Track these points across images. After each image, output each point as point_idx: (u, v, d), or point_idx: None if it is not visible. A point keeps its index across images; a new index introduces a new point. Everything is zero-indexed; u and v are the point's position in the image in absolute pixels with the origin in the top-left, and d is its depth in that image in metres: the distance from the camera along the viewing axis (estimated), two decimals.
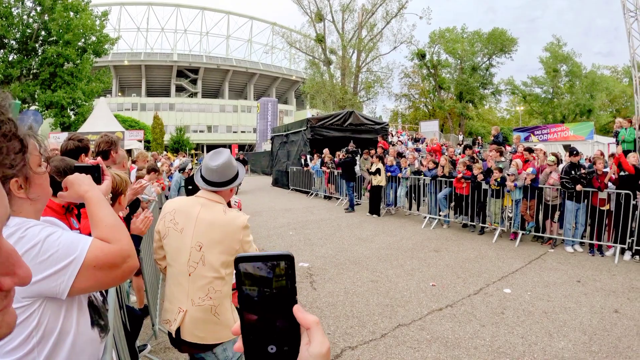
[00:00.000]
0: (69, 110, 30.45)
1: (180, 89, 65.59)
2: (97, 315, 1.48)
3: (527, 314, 5.28)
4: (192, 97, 65.50)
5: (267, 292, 0.69)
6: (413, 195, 12.33)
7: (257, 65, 69.37)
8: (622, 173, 8.16)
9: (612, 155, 9.54)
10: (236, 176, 2.63)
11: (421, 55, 48.11)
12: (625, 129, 11.57)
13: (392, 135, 27.24)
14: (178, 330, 2.44)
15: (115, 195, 2.86)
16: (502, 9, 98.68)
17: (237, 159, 9.24)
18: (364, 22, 37.40)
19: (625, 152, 9.96)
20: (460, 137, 32.93)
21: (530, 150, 10.41)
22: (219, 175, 2.53)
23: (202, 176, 2.57)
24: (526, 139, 26.10)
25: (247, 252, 2.28)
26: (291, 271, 0.70)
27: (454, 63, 49.47)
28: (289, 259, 0.70)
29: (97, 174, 1.75)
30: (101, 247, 1.35)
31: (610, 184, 8.33)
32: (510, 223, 9.44)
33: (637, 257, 7.90)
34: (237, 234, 2.45)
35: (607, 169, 8.59)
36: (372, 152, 14.04)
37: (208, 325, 2.43)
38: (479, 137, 27.29)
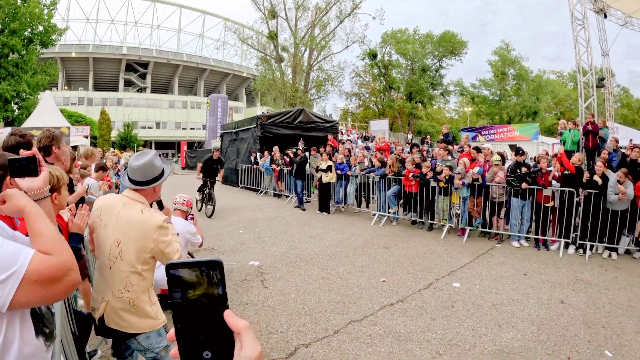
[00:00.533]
0: (12, 104, 28.67)
1: (128, 84, 63.20)
2: (40, 323, 1.40)
3: (477, 307, 5.38)
4: (141, 92, 63.29)
5: (198, 298, 0.68)
6: (362, 192, 12.39)
7: (208, 60, 68.00)
8: (565, 172, 8.50)
9: (555, 155, 9.88)
10: (160, 176, 2.71)
11: (373, 55, 48.68)
12: (569, 130, 12.03)
13: (342, 134, 27.37)
14: (102, 319, 2.59)
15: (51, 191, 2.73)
16: (454, 13, 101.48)
17: (210, 159, 10.24)
18: (317, 20, 37.49)
19: (570, 153, 10.37)
20: (409, 136, 33.42)
21: (478, 149, 10.65)
22: (140, 174, 2.63)
23: (128, 176, 2.67)
24: (474, 138, 26.83)
25: (164, 251, 2.54)
26: (221, 276, 0.69)
27: (404, 64, 50.42)
28: (218, 265, 0.68)
29: (32, 166, 1.62)
30: (42, 260, 1.27)
31: (554, 182, 8.69)
32: (458, 219, 9.64)
33: (581, 250, 8.23)
34: (151, 233, 2.53)
35: (551, 168, 8.93)
36: (322, 149, 14.03)
37: (128, 315, 2.56)
38: (428, 136, 27.79)
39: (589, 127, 11.79)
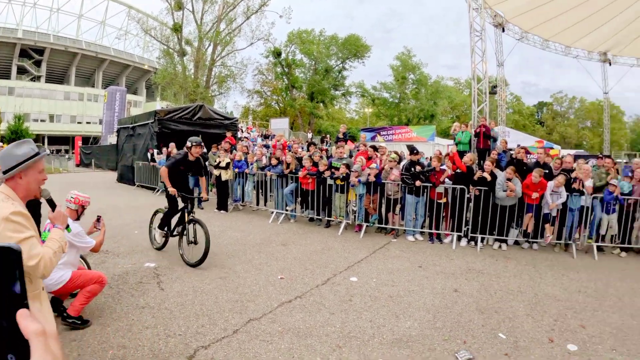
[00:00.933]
0: None
1: (22, 71, 57.84)
2: None
3: (374, 299, 5.52)
4: (34, 80, 58.36)
5: None
6: (260, 191, 12.32)
7: (109, 50, 64.21)
8: (457, 170, 9.07)
9: (447, 154, 10.43)
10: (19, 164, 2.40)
11: (277, 54, 48.61)
12: (462, 132, 12.75)
13: (242, 131, 27.11)
14: None
15: None
16: (361, 17, 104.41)
17: (183, 160, 7.26)
18: (224, 15, 36.91)
19: (462, 153, 11.00)
20: (309, 135, 33.75)
21: (375, 148, 10.98)
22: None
23: None
24: (372, 138, 27.65)
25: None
26: (14, 268, 0.56)
27: (308, 64, 51.10)
28: (14, 254, 0.56)
29: None
30: None
31: (447, 179, 9.20)
32: (355, 216, 9.84)
33: (473, 243, 8.85)
34: None
35: (444, 167, 9.43)
36: (221, 146, 13.79)
37: None
38: (327, 135, 28.22)
39: (482, 129, 12.59)
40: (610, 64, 29.86)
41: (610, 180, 8.86)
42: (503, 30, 24.71)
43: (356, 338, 4.41)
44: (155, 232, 7.78)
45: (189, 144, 7.49)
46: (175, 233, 7.42)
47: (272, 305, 5.19)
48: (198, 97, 33.93)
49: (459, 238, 9.07)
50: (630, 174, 9.17)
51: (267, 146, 20.01)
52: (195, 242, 6.89)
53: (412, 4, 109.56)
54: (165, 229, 7.49)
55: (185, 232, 7.00)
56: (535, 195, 8.50)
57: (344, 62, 51.06)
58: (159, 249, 7.66)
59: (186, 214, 7.00)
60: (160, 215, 7.64)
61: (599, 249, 8.90)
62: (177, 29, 35.91)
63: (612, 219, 8.87)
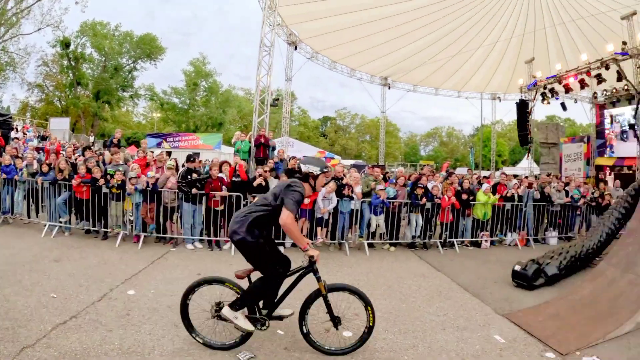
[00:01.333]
0: None
1: None
2: None
3: (152, 311, 5.60)
4: None
5: None
6: (32, 200, 11.20)
7: None
8: (235, 179, 9.63)
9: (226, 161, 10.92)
10: None
11: (66, 44, 43.93)
12: (242, 141, 13.36)
13: (17, 131, 24.31)
14: None
15: None
16: (162, 17, 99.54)
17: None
18: None
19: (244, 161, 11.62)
20: (92, 138, 31.47)
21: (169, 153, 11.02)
22: None
23: None
24: (159, 144, 27.04)
25: None
26: None
27: (98, 59, 46.95)
28: None
29: None
30: None
31: (224, 187, 9.72)
32: (132, 226, 9.68)
33: None
34: None
35: (222, 175, 9.87)
36: None
37: None
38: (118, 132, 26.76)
39: (261, 140, 13.38)
40: (389, 88, 33.93)
41: (376, 187, 10.40)
42: (295, 49, 26.35)
43: (136, 353, 4.44)
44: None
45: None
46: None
47: (47, 328, 4.91)
48: None
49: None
50: (395, 181, 10.92)
51: (40, 149, 18.22)
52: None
53: (215, 12, 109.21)
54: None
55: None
56: (307, 200, 9.44)
57: (135, 61, 48.59)
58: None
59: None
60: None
61: (370, 245, 10.51)
62: None
63: (380, 220, 10.53)
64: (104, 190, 9.72)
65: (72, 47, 45.29)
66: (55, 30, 40.35)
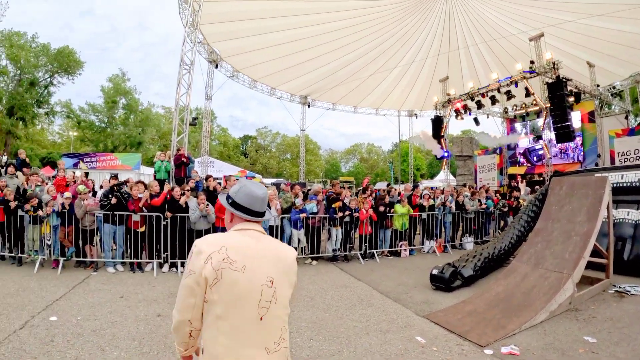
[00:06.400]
0: None
1: None
2: None
3: (77, 336, 5.56)
4: None
5: None
6: None
7: None
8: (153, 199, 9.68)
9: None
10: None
11: None
12: (162, 161, 13.32)
13: None
14: None
15: None
16: (80, 30, 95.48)
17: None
18: None
19: (162, 181, 11.63)
20: (5, 158, 29.64)
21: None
22: (262, 204, 2.27)
23: (242, 205, 2.22)
24: (75, 165, 26.04)
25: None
26: None
27: (12, 72, 43.64)
28: None
29: None
30: None
31: (144, 208, 9.66)
32: (50, 251, 9.43)
33: (174, 268, 9.54)
34: (294, 265, 2.28)
35: (141, 195, 9.80)
36: None
37: None
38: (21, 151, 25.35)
39: (182, 159, 13.39)
40: (309, 106, 34.37)
41: (296, 202, 10.77)
42: (216, 67, 26.29)
43: None
44: None
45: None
46: None
47: None
48: None
49: (160, 265, 9.64)
50: (315, 198, 11.31)
51: None
52: None
53: (135, 27, 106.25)
54: None
55: None
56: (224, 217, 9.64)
57: (52, 76, 45.55)
58: None
59: None
60: None
61: None
62: None
63: (301, 234, 10.90)
64: (20, 212, 9.41)
65: None
66: None
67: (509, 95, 21.59)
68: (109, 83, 50.09)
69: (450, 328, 6.20)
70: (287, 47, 25.44)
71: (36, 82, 44.10)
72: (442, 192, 14.38)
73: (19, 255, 9.63)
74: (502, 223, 14.99)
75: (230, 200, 2.25)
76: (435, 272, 8.63)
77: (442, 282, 8.46)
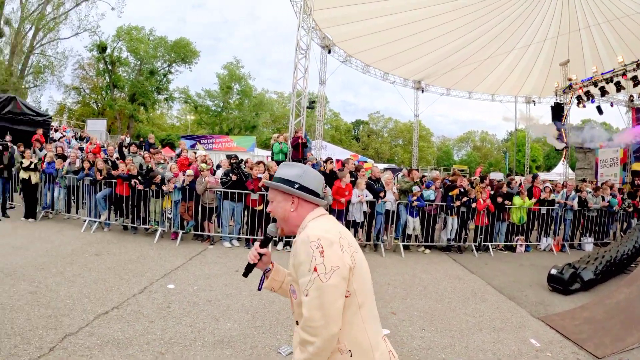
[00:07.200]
0: None
1: None
2: None
3: (192, 305, 5.71)
4: None
5: None
6: (72, 196, 11.49)
7: None
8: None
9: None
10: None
11: (102, 48, 44.93)
12: (280, 143, 13.45)
13: (55, 131, 24.92)
14: None
15: None
16: (193, 23, 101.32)
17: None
18: None
19: (278, 162, 11.70)
20: (127, 139, 32.07)
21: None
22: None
23: (312, 189, 2.03)
24: (192, 146, 27.37)
25: None
26: None
27: (133, 63, 48.06)
28: None
29: None
30: None
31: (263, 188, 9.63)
32: (171, 223, 9.90)
33: (288, 247, 9.54)
34: None
35: (261, 175, 9.88)
36: (35, 146, 12.60)
37: None
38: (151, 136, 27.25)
39: (299, 141, 13.45)
40: (422, 91, 33.33)
41: (413, 189, 10.37)
42: (329, 52, 26.35)
43: (178, 343, 4.53)
44: None
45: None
46: None
47: (89, 318, 5.05)
48: (10, 87, 30.24)
49: (275, 243, 9.72)
50: (432, 184, 10.85)
51: (81, 149, 18.68)
52: None
53: (246, 16, 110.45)
54: None
55: None
56: (342, 200, 9.51)
57: (170, 65, 49.37)
58: None
59: None
60: None
61: (405, 247, 10.39)
62: None
63: (416, 222, 10.51)
64: (138, 186, 9.93)
65: (108, 50, 46.28)
66: (92, 35, 41.55)
67: (636, 81, 19.50)
68: (224, 70, 52.50)
69: (565, 334, 5.71)
70: (400, 30, 24.67)
71: (155, 71, 48.10)
72: (564, 185, 13.23)
73: (142, 226, 10.22)
74: (624, 225, 13.52)
75: (297, 185, 1.97)
76: (554, 272, 7.92)
77: (560, 284, 7.74)
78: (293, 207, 1.99)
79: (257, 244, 2.02)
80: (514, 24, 25.60)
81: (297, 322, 1.88)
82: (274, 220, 2.11)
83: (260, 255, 2.05)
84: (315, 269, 1.68)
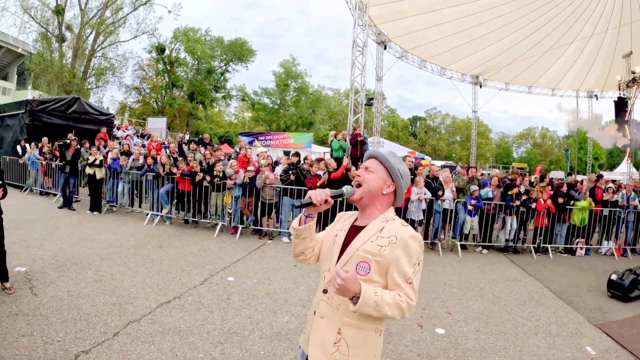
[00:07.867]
0: None
1: None
2: None
3: (251, 297, 5.84)
4: None
5: None
6: (135, 191, 11.99)
7: None
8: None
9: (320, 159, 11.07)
10: None
11: (161, 50, 46.58)
12: (338, 139, 13.51)
13: (118, 129, 25.99)
14: None
15: None
16: (248, 21, 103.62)
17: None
18: (111, 2, 34.80)
19: (338, 159, 11.73)
20: (187, 137, 33.08)
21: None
22: None
23: (402, 190, 2.18)
24: (250, 143, 27.81)
25: None
26: None
27: (191, 63, 49.48)
28: None
29: None
30: None
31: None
32: (231, 218, 10.13)
33: None
34: None
35: (320, 172, 9.98)
36: (99, 143, 13.20)
37: None
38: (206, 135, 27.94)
39: (357, 138, 13.46)
40: (480, 87, 32.81)
41: (470, 187, 10.16)
42: (385, 48, 26.21)
43: (236, 334, 4.65)
44: None
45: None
46: None
47: (151, 306, 5.24)
48: (73, 88, 31.81)
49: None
50: (489, 182, 10.62)
51: (143, 146, 19.41)
52: None
53: (299, 14, 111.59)
54: None
55: None
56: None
57: (227, 64, 50.35)
58: None
59: None
60: None
61: (463, 247, 10.27)
62: (59, 11, 33.18)
63: (474, 221, 10.28)
64: (205, 183, 10.22)
65: (167, 52, 47.79)
66: (151, 37, 43.06)
67: None
68: (280, 68, 53.04)
69: (623, 343, 5.44)
70: (457, 24, 24.26)
71: (213, 70, 49.28)
72: (623, 186, 12.61)
73: (203, 220, 10.61)
74: None
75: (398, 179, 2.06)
76: (614, 277, 7.55)
77: (620, 290, 7.36)
78: (386, 191, 2.06)
79: (329, 190, 2.05)
80: (574, 15, 24.64)
81: (324, 291, 2.06)
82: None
83: (324, 202, 2.06)
84: (418, 264, 1.92)
